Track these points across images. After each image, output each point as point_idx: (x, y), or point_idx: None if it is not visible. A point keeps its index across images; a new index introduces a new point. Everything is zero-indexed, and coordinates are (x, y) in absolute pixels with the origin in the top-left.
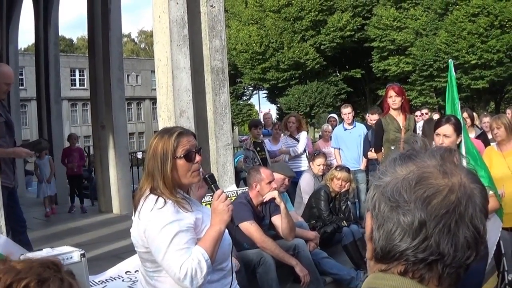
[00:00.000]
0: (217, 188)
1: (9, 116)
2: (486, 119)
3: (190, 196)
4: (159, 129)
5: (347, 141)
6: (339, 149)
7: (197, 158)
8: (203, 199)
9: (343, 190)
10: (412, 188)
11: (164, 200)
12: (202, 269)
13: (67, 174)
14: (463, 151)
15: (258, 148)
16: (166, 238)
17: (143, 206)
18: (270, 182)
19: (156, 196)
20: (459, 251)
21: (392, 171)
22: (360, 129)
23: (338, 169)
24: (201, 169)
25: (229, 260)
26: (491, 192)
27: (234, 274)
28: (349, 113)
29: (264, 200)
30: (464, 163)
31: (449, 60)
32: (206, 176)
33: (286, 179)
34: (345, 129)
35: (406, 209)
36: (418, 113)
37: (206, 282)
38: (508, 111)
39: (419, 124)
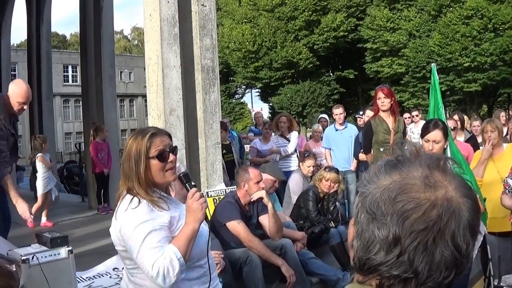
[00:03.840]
0: (191, 186)
1: (17, 132)
2: (476, 123)
3: (168, 195)
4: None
5: (338, 141)
6: (330, 149)
7: (171, 157)
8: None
9: (331, 191)
10: (392, 200)
11: (139, 199)
12: (174, 268)
13: (95, 172)
14: (449, 156)
15: (224, 151)
16: (139, 237)
17: (119, 206)
18: (258, 182)
19: (132, 196)
20: (434, 271)
21: (376, 180)
22: (351, 130)
23: (327, 170)
24: (180, 167)
25: (207, 257)
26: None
27: (215, 272)
28: (340, 114)
29: (252, 200)
30: (456, 170)
31: (432, 64)
32: (181, 175)
33: (277, 182)
34: (336, 130)
35: (382, 223)
36: (406, 115)
37: (185, 280)
38: (502, 113)
39: (410, 126)
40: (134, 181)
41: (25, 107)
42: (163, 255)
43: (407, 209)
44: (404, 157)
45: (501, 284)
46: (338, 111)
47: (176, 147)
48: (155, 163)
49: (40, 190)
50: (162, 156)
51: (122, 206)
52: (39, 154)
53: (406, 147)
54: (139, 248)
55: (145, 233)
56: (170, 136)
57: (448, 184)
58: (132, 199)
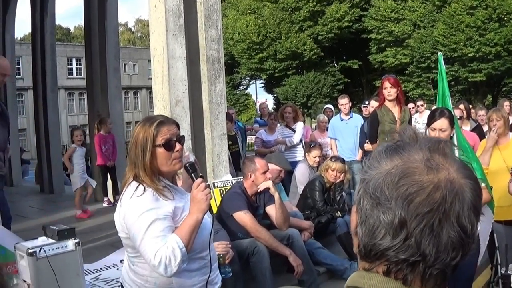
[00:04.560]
0: (197, 176)
1: (4, 108)
2: (482, 112)
3: (174, 185)
4: None
5: (343, 131)
6: (336, 139)
7: (178, 146)
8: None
9: (337, 181)
10: (395, 184)
11: (144, 187)
12: (176, 257)
13: (99, 165)
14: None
15: (230, 142)
16: (143, 225)
17: (125, 193)
18: (264, 172)
19: (137, 184)
20: (441, 252)
21: (377, 165)
22: (357, 120)
23: (333, 160)
24: (190, 156)
25: (209, 250)
26: (482, 185)
27: (216, 263)
28: (346, 104)
29: (259, 190)
30: (457, 154)
31: (439, 53)
32: (187, 164)
33: (282, 171)
34: (342, 120)
35: (386, 207)
36: (411, 105)
37: (185, 271)
38: (506, 103)
39: (415, 116)
40: (140, 169)
41: (5, 79)
42: (166, 245)
43: (411, 192)
44: (404, 142)
45: (509, 272)
46: (344, 101)
47: (183, 136)
48: (161, 152)
49: (77, 184)
50: (168, 145)
51: (127, 193)
52: (72, 146)
53: (404, 133)
54: (143, 236)
55: (149, 221)
56: (177, 125)
57: (450, 166)
58: (137, 186)
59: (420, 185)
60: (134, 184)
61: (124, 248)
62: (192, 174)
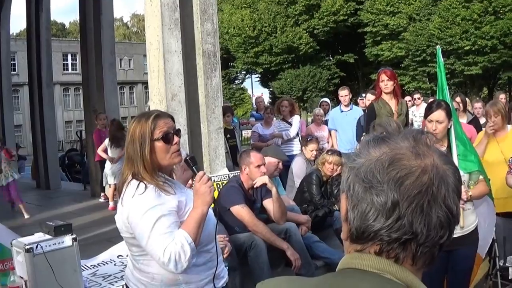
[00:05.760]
0: (198, 170)
1: None
2: (478, 105)
3: (173, 179)
4: None
5: (343, 123)
6: (335, 130)
7: (175, 139)
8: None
9: (334, 174)
10: (385, 169)
11: (145, 185)
12: (185, 253)
13: (98, 160)
14: (453, 136)
15: (228, 135)
16: (149, 223)
17: (126, 192)
18: (259, 166)
19: (138, 182)
20: (432, 230)
21: (366, 153)
22: (357, 112)
23: (329, 153)
24: (182, 152)
25: (215, 242)
26: (481, 177)
27: (221, 257)
28: (346, 95)
29: (255, 187)
30: (454, 149)
31: (437, 47)
32: (187, 158)
33: (280, 163)
34: (342, 111)
35: (379, 190)
36: (408, 98)
37: (192, 266)
38: (502, 96)
39: (412, 109)
40: (139, 165)
41: None
42: (174, 241)
43: (401, 175)
44: (389, 133)
45: (507, 264)
46: (344, 93)
47: (179, 129)
48: (160, 145)
49: (111, 180)
50: (167, 138)
51: (129, 192)
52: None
53: (389, 125)
54: (149, 234)
55: (154, 219)
56: (173, 119)
57: (433, 153)
58: (138, 184)
59: (409, 169)
60: (135, 182)
61: (128, 247)
62: (193, 167)
